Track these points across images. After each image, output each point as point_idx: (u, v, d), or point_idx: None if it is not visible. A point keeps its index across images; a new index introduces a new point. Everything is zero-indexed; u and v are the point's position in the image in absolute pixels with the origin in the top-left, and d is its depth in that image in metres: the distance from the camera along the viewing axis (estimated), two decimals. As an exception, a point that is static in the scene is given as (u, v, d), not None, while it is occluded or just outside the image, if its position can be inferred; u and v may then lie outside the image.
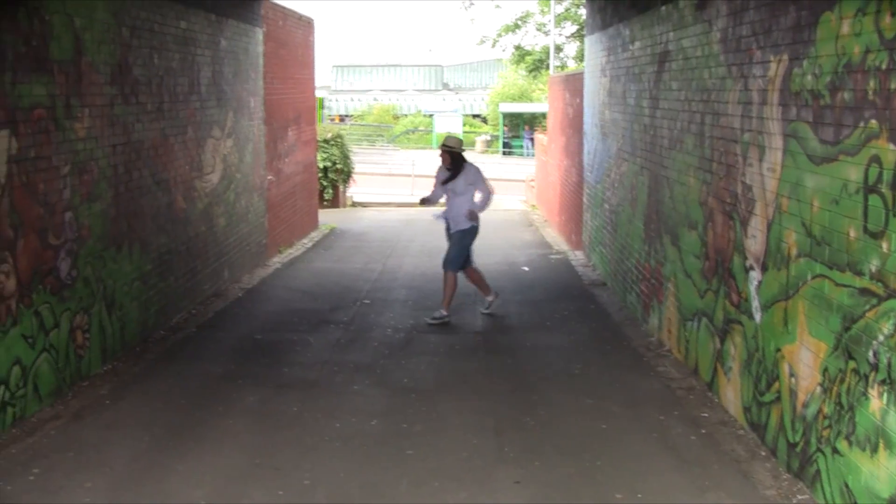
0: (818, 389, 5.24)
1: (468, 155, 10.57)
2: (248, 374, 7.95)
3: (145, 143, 8.79)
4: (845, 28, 4.90)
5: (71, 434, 6.37)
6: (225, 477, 5.71)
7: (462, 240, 10.11)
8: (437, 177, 10.34)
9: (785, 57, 5.74)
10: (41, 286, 6.75)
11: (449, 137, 10.60)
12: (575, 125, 15.78)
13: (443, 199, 10.42)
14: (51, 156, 6.90)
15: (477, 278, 10.40)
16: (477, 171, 10.25)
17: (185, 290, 10.07)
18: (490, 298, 10.38)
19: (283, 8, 15.52)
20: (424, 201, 10.58)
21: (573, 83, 16.38)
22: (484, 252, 14.19)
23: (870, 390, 4.63)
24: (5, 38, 6.30)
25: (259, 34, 13.35)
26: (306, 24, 17.51)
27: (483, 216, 10.31)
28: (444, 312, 9.88)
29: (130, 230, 8.44)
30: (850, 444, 4.85)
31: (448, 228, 10.21)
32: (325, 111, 53.83)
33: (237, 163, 12.11)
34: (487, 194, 10.21)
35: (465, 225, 10.05)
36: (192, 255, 10.24)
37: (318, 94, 23.11)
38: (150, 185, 8.94)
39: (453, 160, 10.12)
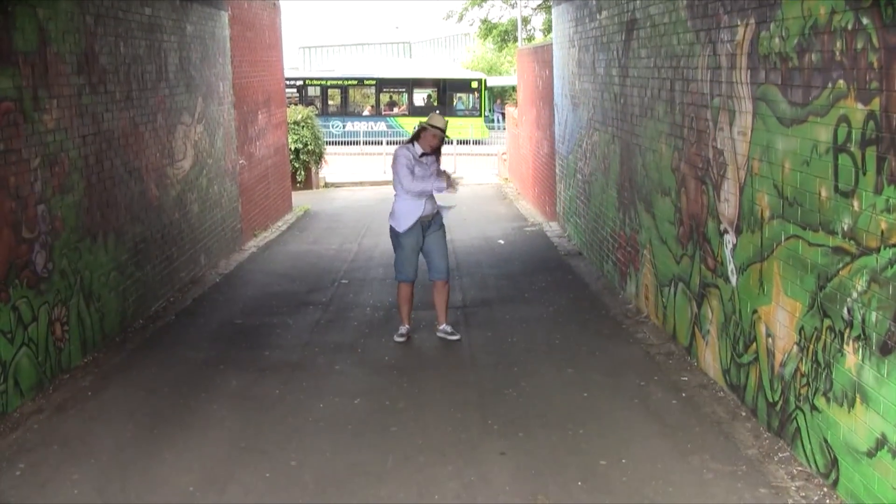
0: (795, 348, 5.32)
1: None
2: (229, 358, 7.94)
3: (115, 133, 8.71)
4: (810, -10, 4.95)
5: (54, 427, 6.35)
6: (212, 462, 5.72)
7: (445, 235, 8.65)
8: (407, 167, 8.15)
9: (752, 21, 5.78)
10: (17, 280, 6.70)
11: (435, 117, 8.40)
12: (544, 97, 15.78)
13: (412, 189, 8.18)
14: (20, 149, 6.83)
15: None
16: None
17: (163, 278, 10.02)
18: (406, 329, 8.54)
19: (248, -10, 15.41)
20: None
21: (542, 55, 16.37)
22: (458, 227, 14.31)
23: (845, 347, 4.71)
24: (-32, 31, 6.23)
25: (224, 17, 13.22)
26: (271, 5, 17.36)
27: (459, 191, 8.99)
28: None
29: (104, 220, 8.38)
30: (828, 400, 4.93)
31: (427, 227, 8.35)
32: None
33: (208, 148, 12.03)
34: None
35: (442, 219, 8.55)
36: (167, 243, 10.18)
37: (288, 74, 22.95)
38: (122, 174, 8.87)
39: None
